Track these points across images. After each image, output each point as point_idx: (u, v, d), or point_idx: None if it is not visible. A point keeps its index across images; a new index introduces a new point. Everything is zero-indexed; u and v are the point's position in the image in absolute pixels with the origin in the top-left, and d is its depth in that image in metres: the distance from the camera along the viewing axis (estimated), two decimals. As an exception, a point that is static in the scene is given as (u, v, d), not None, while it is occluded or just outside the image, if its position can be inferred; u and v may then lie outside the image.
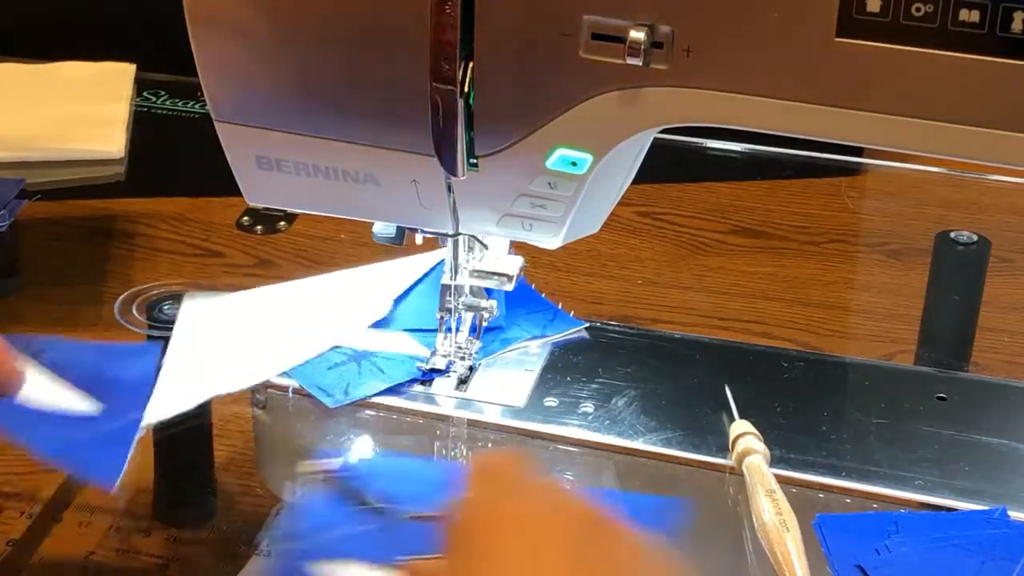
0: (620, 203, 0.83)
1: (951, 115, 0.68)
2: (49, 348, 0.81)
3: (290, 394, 0.85)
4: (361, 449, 0.84)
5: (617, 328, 0.93)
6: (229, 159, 0.81)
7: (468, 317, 0.89)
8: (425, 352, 0.88)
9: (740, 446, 0.80)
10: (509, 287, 0.86)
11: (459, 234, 0.83)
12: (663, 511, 0.78)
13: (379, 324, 0.91)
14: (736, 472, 0.81)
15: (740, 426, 0.82)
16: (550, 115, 0.73)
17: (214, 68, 0.77)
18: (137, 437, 0.80)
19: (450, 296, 0.87)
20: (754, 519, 0.76)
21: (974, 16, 0.65)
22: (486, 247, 0.86)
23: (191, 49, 0.77)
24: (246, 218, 1.14)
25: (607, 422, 0.84)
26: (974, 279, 0.99)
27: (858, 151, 1.25)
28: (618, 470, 0.82)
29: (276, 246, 1.11)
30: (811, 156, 1.25)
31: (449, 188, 0.78)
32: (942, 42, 0.66)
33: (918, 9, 0.66)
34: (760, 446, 0.80)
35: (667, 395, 0.87)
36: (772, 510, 0.75)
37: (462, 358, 0.88)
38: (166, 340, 0.88)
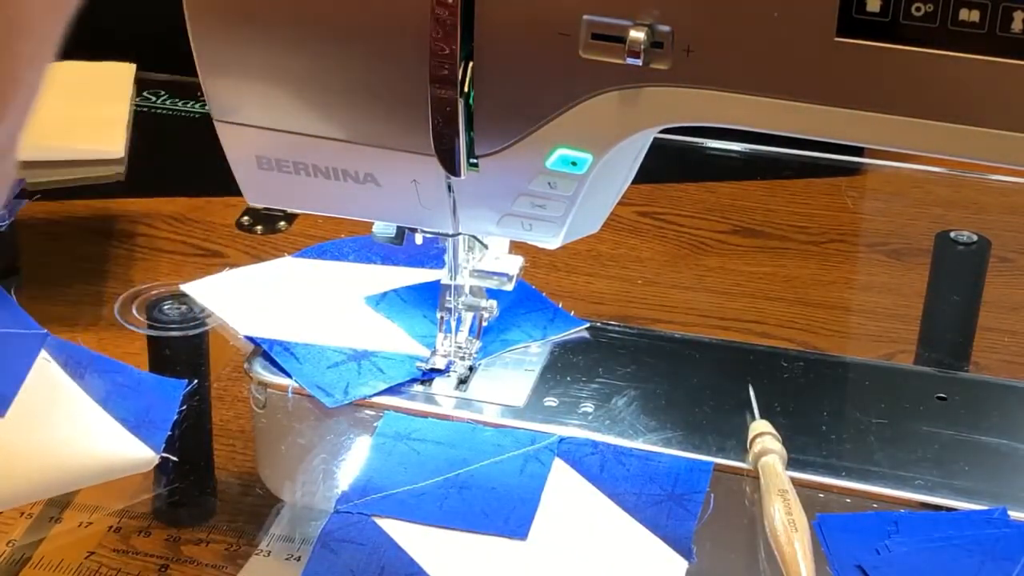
0: (620, 203, 0.83)
1: (951, 115, 0.68)
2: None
3: (290, 394, 0.85)
4: (360, 449, 0.84)
5: (617, 328, 0.93)
6: (229, 159, 0.81)
7: (468, 317, 0.89)
8: (425, 352, 0.88)
9: (757, 446, 0.80)
10: (509, 287, 0.86)
11: (459, 234, 0.83)
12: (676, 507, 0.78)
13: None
14: (737, 472, 0.81)
15: (759, 426, 0.82)
16: (550, 115, 0.73)
17: (214, 68, 0.77)
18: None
19: (450, 296, 0.87)
20: (765, 518, 0.76)
21: (974, 16, 0.65)
22: (486, 247, 0.86)
23: (191, 49, 0.77)
24: (246, 218, 1.15)
25: (607, 422, 0.84)
26: (974, 279, 0.99)
27: (858, 151, 1.25)
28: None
29: (276, 246, 1.11)
30: (811, 156, 1.25)
31: (449, 188, 0.78)
32: (942, 42, 0.66)
33: (918, 9, 0.66)
34: (777, 446, 0.80)
35: (667, 395, 0.87)
36: (783, 510, 0.75)
37: (462, 358, 0.88)
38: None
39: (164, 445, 0.83)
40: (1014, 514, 0.77)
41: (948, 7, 0.65)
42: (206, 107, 0.79)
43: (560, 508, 0.79)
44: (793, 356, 0.92)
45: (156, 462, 0.82)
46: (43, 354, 0.86)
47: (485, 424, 0.84)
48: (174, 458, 0.84)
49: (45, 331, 0.87)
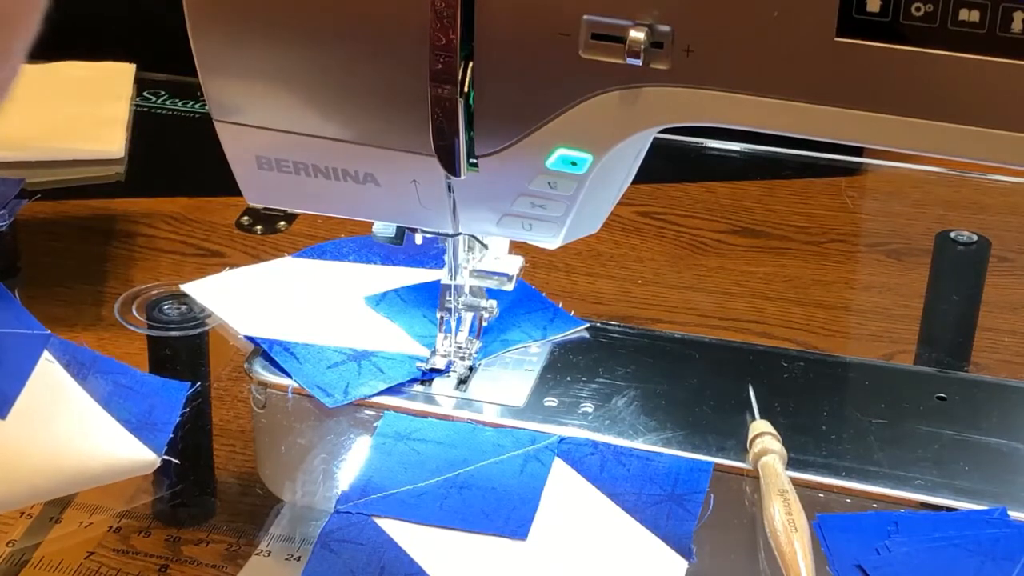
0: (620, 203, 0.83)
1: (951, 115, 0.68)
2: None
3: (290, 394, 0.85)
4: (360, 449, 0.84)
5: (617, 328, 0.93)
6: (229, 159, 0.81)
7: (468, 317, 0.89)
8: (425, 352, 0.88)
9: (757, 446, 0.80)
10: (509, 287, 0.86)
11: (459, 234, 0.83)
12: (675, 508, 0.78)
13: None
14: (737, 472, 0.81)
15: (759, 426, 0.82)
16: (550, 115, 0.73)
17: (214, 68, 0.77)
18: None
19: (450, 296, 0.87)
20: (765, 518, 0.76)
21: (974, 16, 0.65)
22: (486, 247, 0.86)
23: (191, 49, 0.77)
24: (246, 218, 1.15)
25: (607, 422, 0.84)
26: (974, 279, 0.99)
27: (858, 151, 1.25)
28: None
29: (276, 246, 1.11)
30: (811, 156, 1.25)
31: (449, 188, 0.78)
32: (942, 42, 0.66)
33: (918, 9, 0.66)
34: (777, 446, 0.80)
35: (667, 395, 0.87)
36: (782, 510, 0.75)
37: (462, 358, 0.88)
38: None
39: (166, 448, 0.83)
40: (1014, 514, 0.77)
41: (948, 7, 0.65)
42: (206, 107, 0.79)
43: (560, 508, 0.79)
44: (793, 356, 0.92)
45: (158, 464, 0.82)
46: (46, 355, 0.86)
47: (485, 424, 0.84)
48: (176, 460, 0.83)
49: (48, 332, 0.87)
